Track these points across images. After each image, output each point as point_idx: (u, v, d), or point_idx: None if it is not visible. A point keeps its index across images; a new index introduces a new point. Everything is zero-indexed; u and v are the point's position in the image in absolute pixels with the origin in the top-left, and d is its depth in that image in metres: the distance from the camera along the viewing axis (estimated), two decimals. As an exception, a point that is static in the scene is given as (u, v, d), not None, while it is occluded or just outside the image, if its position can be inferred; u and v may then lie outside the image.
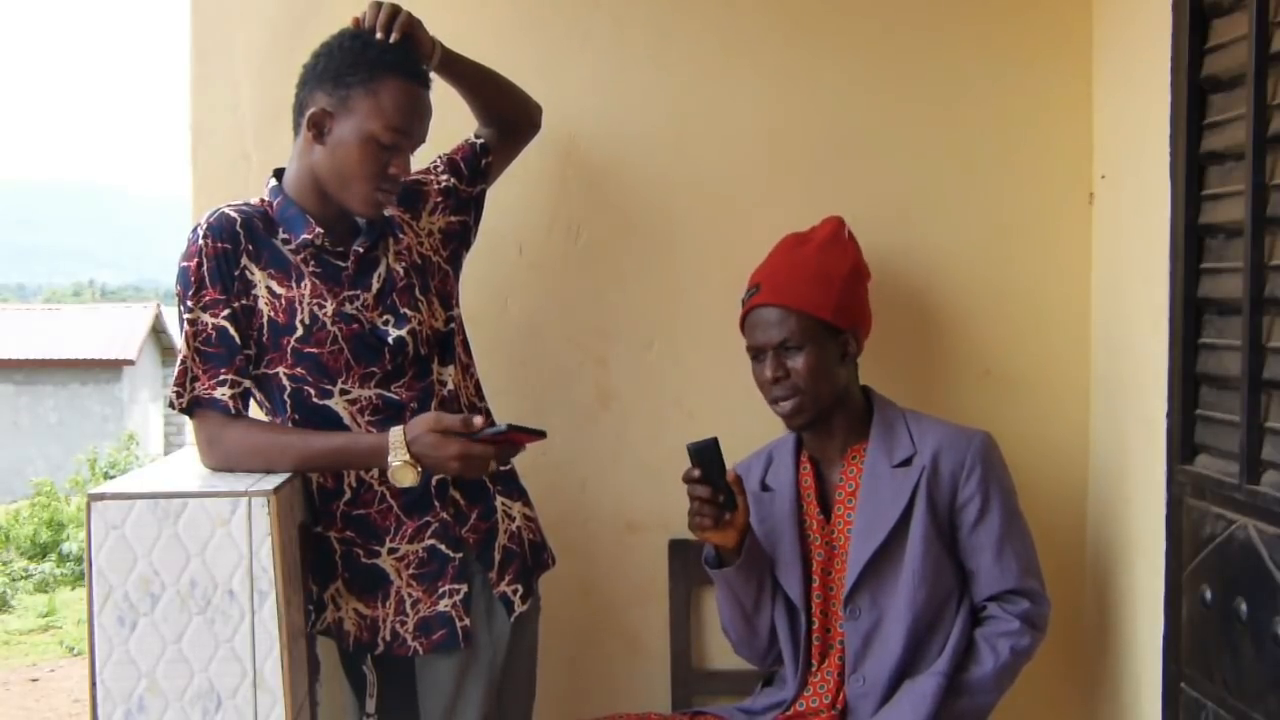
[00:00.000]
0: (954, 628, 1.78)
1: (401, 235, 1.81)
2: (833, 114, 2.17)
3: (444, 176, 1.92)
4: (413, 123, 1.69)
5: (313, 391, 1.70)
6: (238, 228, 1.68)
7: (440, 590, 1.76)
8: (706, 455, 1.72)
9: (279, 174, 1.77)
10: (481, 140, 1.97)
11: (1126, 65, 2.02)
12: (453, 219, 1.90)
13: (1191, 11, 1.73)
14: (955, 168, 2.18)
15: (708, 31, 2.16)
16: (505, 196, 2.11)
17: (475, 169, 1.95)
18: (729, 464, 1.92)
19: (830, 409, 1.84)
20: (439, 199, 1.90)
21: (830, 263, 1.86)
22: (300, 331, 1.68)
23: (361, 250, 1.74)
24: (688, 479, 1.73)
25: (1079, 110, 2.16)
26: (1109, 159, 2.11)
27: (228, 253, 1.67)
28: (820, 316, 1.81)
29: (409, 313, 1.75)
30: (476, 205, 1.95)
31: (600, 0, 2.15)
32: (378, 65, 1.66)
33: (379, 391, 1.73)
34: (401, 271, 1.77)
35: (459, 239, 1.92)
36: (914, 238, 2.16)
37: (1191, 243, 1.73)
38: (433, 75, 1.78)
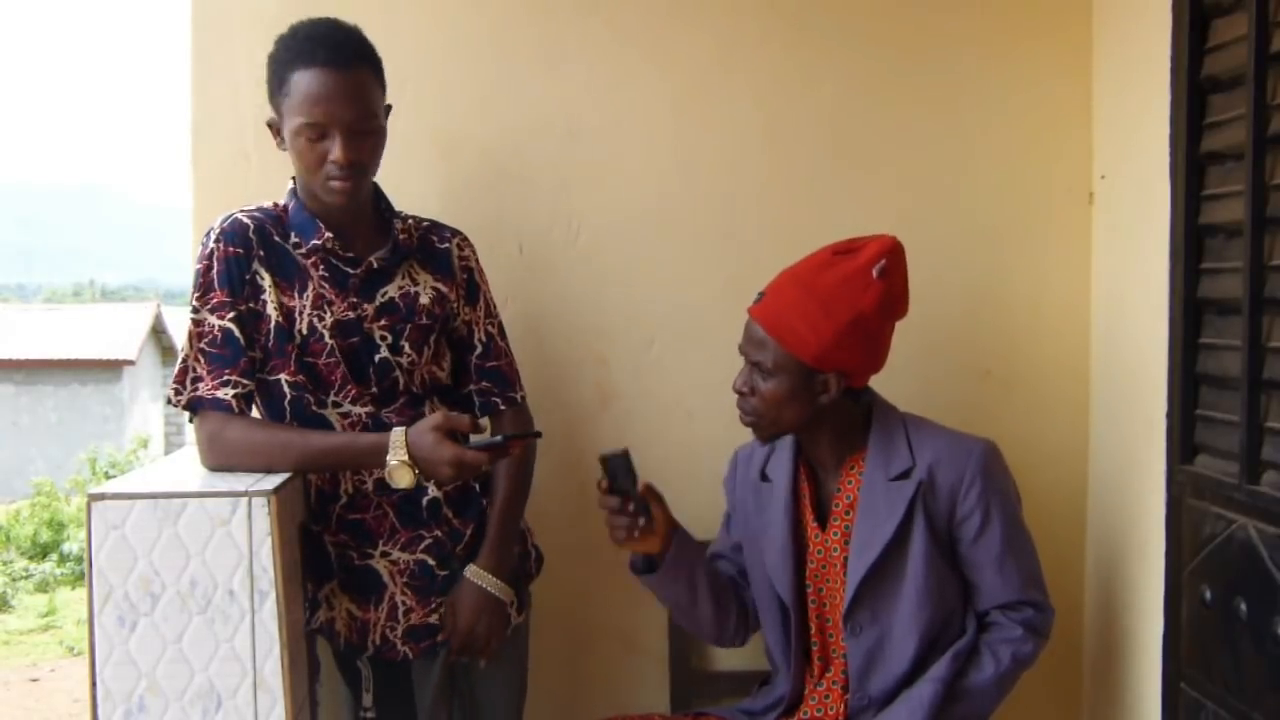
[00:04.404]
0: (961, 638, 1.77)
1: (424, 273, 1.80)
2: (833, 114, 2.17)
3: (465, 306, 1.84)
4: (326, 108, 1.63)
5: (312, 400, 1.71)
6: (250, 233, 1.69)
7: (431, 604, 1.77)
8: (616, 466, 1.68)
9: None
10: (494, 415, 1.87)
11: (1126, 65, 2.02)
12: (436, 311, 1.80)
13: (1191, 11, 1.73)
14: (955, 168, 2.18)
15: (708, 32, 2.16)
16: (505, 196, 2.11)
17: (464, 351, 1.86)
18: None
19: (801, 429, 1.78)
20: (446, 293, 1.81)
21: (838, 303, 1.70)
22: (299, 340, 1.69)
23: (376, 264, 1.74)
24: (598, 488, 1.70)
25: (1079, 110, 2.16)
26: (1109, 159, 2.11)
27: (239, 257, 1.68)
28: (799, 356, 1.70)
29: (407, 349, 1.74)
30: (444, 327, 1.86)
31: (600, 1, 2.15)
32: (286, 65, 1.66)
33: (369, 410, 1.73)
34: (411, 295, 1.76)
35: (440, 324, 1.82)
36: (914, 238, 2.14)
37: (1191, 243, 1.73)
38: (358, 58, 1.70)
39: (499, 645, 1.79)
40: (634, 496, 1.70)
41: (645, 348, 2.19)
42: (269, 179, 2.05)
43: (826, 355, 1.70)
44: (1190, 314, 1.74)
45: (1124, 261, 2.04)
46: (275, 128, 1.70)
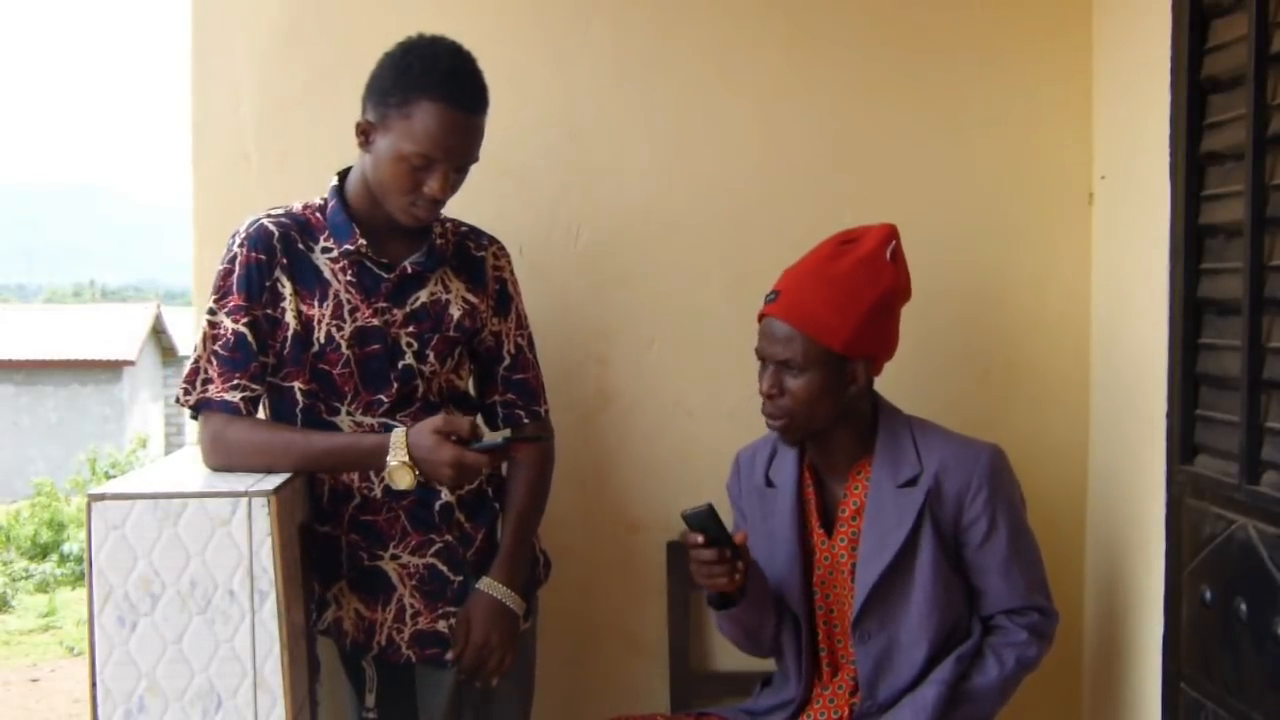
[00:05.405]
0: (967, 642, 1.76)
1: (457, 281, 1.79)
2: (832, 113, 2.17)
3: (495, 317, 1.83)
4: (445, 148, 1.64)
5: (323, 408, 1.72)
6: (275, 241, 1.69)
7: (439, 610, 1.77)
8: (706, 521, 1.63)
9: (344, 174, 1.77)
10: (516, 427, 1.85)
11: (1126, 65, 2.02)
12: (466, 325, 1.79)
13: (1191, 11, 1.73)
14: (955, 168, 2.18)
15: (708, 32, 2.16)
16: (505, 196, 2.11)
17: (492, 362, 1.85)
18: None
19: (825, 428, 1.76)
20: (477, 305, 1.80)
21: (860, 286, 1.72)
22: (315, 349, 1.69)
23: (410, 269, 1.73)
24: (693, 546, 1.65)
25: (1079, 110, 2.16)
26: (1109, 159, 2.11)
27: (262, 263, 1.68)
28: (829, 346, 1.70)
29: (432, 358, 1.74)
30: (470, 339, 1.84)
31: (600, 1, 2.15)
32: (414, 88, 1.63)
33: (383, 420, 1.73)
34: (442, 303, 1.76)
35: (467, 337, 1.82)
36: (915, 238, 2.14)
37: (1191, 243, 1.73)
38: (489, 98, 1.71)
39: (512, 661, 1.77)
40: (731, 545, 1.65)
41: (645, 348, 2.19)
42: (269, 179, 2.05)
43: (855, 341, 1.71)
44: (1190, 314, 1.74)
45: (1124, 261, 2.04)
46: (366, 130, 1.67)
